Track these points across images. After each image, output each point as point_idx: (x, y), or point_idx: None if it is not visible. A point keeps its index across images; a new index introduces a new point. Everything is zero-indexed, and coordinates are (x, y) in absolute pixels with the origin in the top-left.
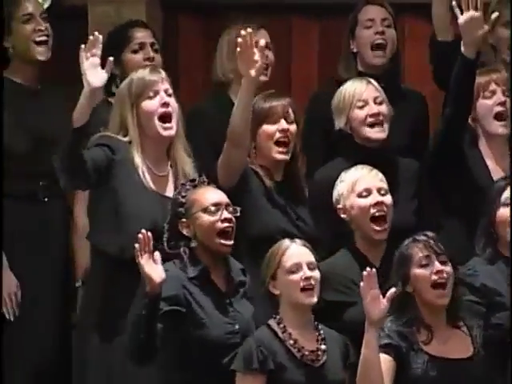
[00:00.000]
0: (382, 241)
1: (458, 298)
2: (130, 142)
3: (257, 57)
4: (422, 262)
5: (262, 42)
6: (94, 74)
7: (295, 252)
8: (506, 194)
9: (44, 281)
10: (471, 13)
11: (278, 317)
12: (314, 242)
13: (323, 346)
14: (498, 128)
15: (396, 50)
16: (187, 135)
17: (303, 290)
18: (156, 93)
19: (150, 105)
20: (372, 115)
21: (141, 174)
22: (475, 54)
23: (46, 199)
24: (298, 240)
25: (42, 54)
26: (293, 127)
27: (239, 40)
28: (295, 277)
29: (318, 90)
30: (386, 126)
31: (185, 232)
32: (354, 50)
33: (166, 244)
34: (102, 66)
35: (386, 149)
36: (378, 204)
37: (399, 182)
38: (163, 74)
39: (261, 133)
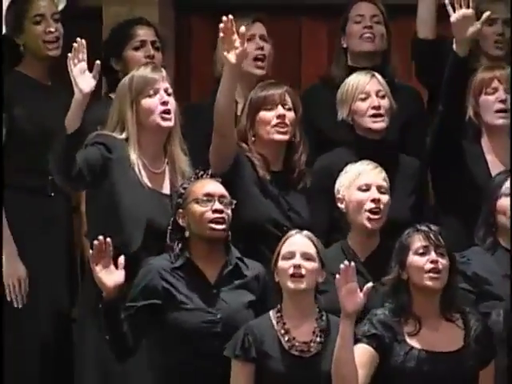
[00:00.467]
0: (373, 236)
1: (453, 289)
2: (126, 140)
3: (237, 43)
4: (420, 250)
5: (242, 29)
6: (83, 79)
7: (293, 241)
8: (507, 184)
9: (47, 273)
10: (463, 11)
11: (279, 306)
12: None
13: (319, 338)
14: (499, 120)
15: (387, 46)
16: (187, 129)
17: (292, 276)
18: (156, 91)
19: (150, 102)
20: (374, 107)
21: (137, 171)
22: (467, 52)
23: (52, 194)
24: (304, 231)
25: (51, 51)
26: (290, 114)
27: (220, 26)
28: (286, 263)
29: (304, 92)
30: (386, 118)
31: (181, 222)
32: (344, 46)
33: (168, 236)
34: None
35: (386, 142)
36: (374, 201)
37: (398, 177)
38: (164, 72)
39: (258, 119)
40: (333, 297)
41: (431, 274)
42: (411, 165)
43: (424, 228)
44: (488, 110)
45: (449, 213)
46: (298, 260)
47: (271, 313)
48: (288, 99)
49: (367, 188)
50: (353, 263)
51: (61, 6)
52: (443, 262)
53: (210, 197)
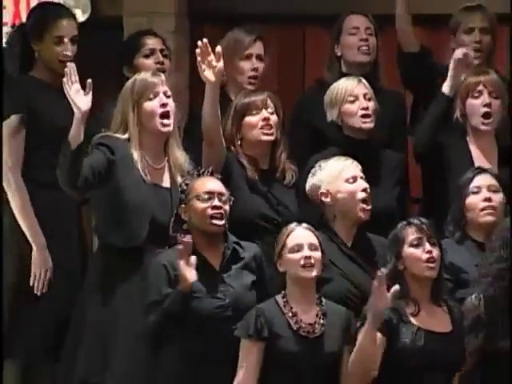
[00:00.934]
0: (354, 223)
1: (443, 278)
2: (128, 139)
3: (214, 62)
4: (414, 242)
5: (218, 49)
6: (80, 99)
7: (298, 234)
8: (475, 183)
9: (62, 258)
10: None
11: (284, 292)
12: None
13: (322, 320)
14: (483, 126)
15: (376, 55)
16: (189, 129)
17: (303, 267)
18: (156, 94)
19: (151, 105)
20: (363, 108)
21: (140, 168)
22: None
23: None
24: (304, 224)
25: (63, 68)
26: (273, 116)
27: (197, 50)
28: (297, 255)
29: (303, 94)
30: (373, 119)
31: (183, 216)
32: (338, 54)
33: (170, 228)
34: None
35: (372, 140)
36: (365, 189)
37: (382, 171)
38: (163, 77)
39: (245, 124)
40: (334, 286)
41: (429, 264)
42: (394, 159)
43: (416, 221)
44: (474, 113)
45: (437, 206)
46: (307, 251)
47: (277, 298)
48: (270, 103)
49: (354, 180)
50: (383, 270)
51: (85, 16)
52: (436, 251)
53: (210, 194)
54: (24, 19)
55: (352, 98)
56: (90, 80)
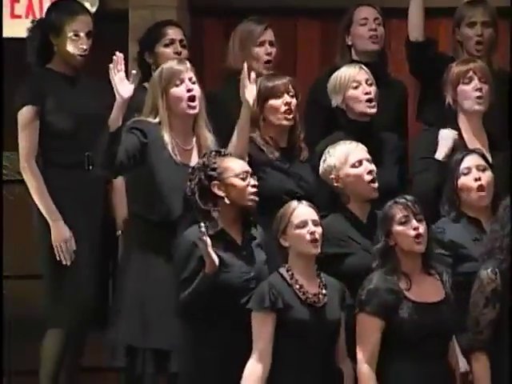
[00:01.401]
0: (368, 201)
1: (431, 249)
2: (159, 123)
3: (254, 91)
4: (402, 220)
5: (253, 75)
6: (123, 86)
7: (302, 211)
8: (465, 164)
9: (87, 232)
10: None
11: (287, 265)
12: (314, 197)
13: (324, 291)
14: (476, 106)
15: (383, 44)
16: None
17: (310, 242)
18: (182, 81)
19: (178, 91)
20: (366, 93)
21: (170, 149)
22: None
23: (90, 167)
24: (304, 201)
25: (80, 61)
26: (294, 100)
27: (242, 78)
28: (302, 231)
29: (319, 75)
30: (376, 103)
31: (217, 192)
32: (349, 43)
33: (198, 202)
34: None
35: (374, 123)
36: (370, 172)
37: (383, 151)
38: (188, 64)
39: (268, 107)
40: (358, 258)
41: (416, 240)
42: (392, 139)
43: (402, 200)
44: (466, 97)
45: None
46: (312, 227)
47: (282, 271)
48: (291, 88)
49: (359, 164)
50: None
51: (93, 9)
52: (422, 226)
53: (247, 174)
54: (36, 12)
55: (355, 83)
56: (134, 71)
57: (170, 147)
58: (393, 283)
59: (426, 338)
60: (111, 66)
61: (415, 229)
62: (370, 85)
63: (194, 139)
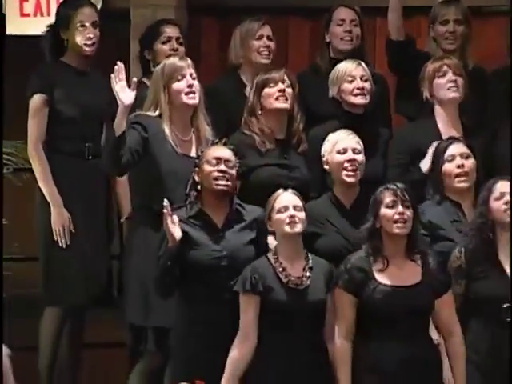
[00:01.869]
0: (354, 188)
1: (416, 235)
2: (159, 116)
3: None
4: (389, 204)
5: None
6: (124, 94)
7: (285, 198)
8: (449, 151)
9: (89, 219)
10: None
11: (274, 249)
12: (308, 186)
13: (308, 273)
14: (451, 93)
15: (361, 42)
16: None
17: (288, 224)
18: (183, 76)
19: (179, 85)
20: (358, 88)
21: (171, 141)
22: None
23: (90, 158)
24: (290, 189)
25: (89, 52)
26: (289, 89)
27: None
28: (283, 215)
29: (297, 76)
30: (367, 97)
31: (196, 178)
32: (327, 41)
33: (188, 188)
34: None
35: (366, 115)
36: (350, 161)
37: (374, 143)
38: (189, 61)
39: (263, 95)
40: (329, 239)
41: (399, 224)
42: (383, 133)
43: (392, 186)
44: (442, 88)
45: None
46: (291, 211)
47: (269, 255)
48: (286, 78)
49: (344, 151)
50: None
51: (99, 6)
52: (408, 213)
53: (218, 160)
54: (44, 11)
55: (350, 78)
56: (135, 78)
57: (170, 139)
58: (367, 263)
59: (400, 319)
60: (113, 75)
61: (400, 214)
62: (365, 81)
63: (192, 130)
